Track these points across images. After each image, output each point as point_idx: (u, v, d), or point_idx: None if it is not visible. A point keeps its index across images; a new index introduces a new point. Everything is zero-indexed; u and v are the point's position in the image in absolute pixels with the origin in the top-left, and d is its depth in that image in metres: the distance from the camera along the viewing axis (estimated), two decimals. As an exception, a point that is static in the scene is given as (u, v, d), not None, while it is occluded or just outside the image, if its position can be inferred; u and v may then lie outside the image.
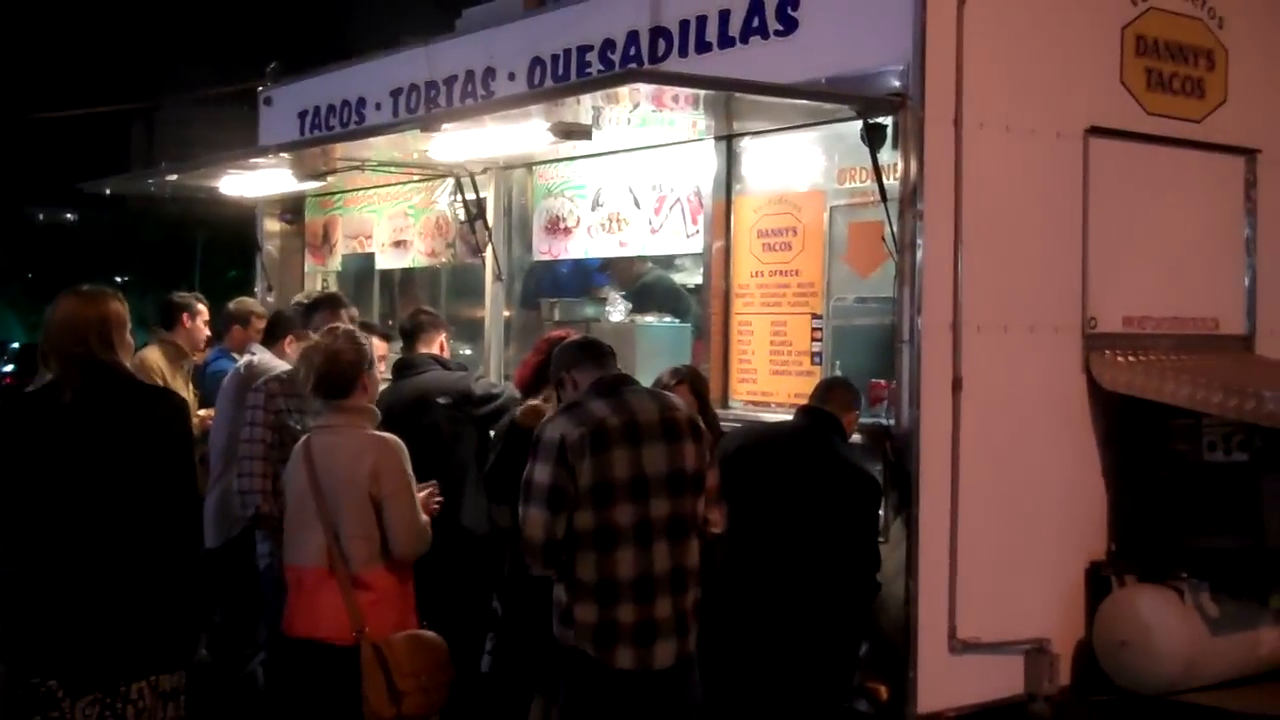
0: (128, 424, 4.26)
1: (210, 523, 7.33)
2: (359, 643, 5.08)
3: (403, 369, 7.21)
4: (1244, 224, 7.68)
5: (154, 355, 8.36)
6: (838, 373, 6.73)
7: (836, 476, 5.87)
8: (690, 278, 8.54)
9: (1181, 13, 7.40)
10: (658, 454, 4.76)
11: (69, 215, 46.42)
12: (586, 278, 9.03)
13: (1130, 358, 6.97)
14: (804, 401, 6.22)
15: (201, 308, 8.70)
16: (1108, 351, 6.97)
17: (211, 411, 7.79)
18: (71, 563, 4.16)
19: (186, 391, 8.28)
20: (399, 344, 7.70)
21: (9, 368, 27.49)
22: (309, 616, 5.21)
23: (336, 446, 5.29)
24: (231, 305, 8.99)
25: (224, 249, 38.64)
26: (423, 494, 5.44)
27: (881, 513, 6.13)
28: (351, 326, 5.97)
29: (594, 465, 4.64)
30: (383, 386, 7.99)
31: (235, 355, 8.42)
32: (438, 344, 7.43)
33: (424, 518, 5.33)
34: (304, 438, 5.49)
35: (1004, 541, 6.60)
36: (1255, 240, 7.68)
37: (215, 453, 7.41)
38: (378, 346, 6.18)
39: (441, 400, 6.97)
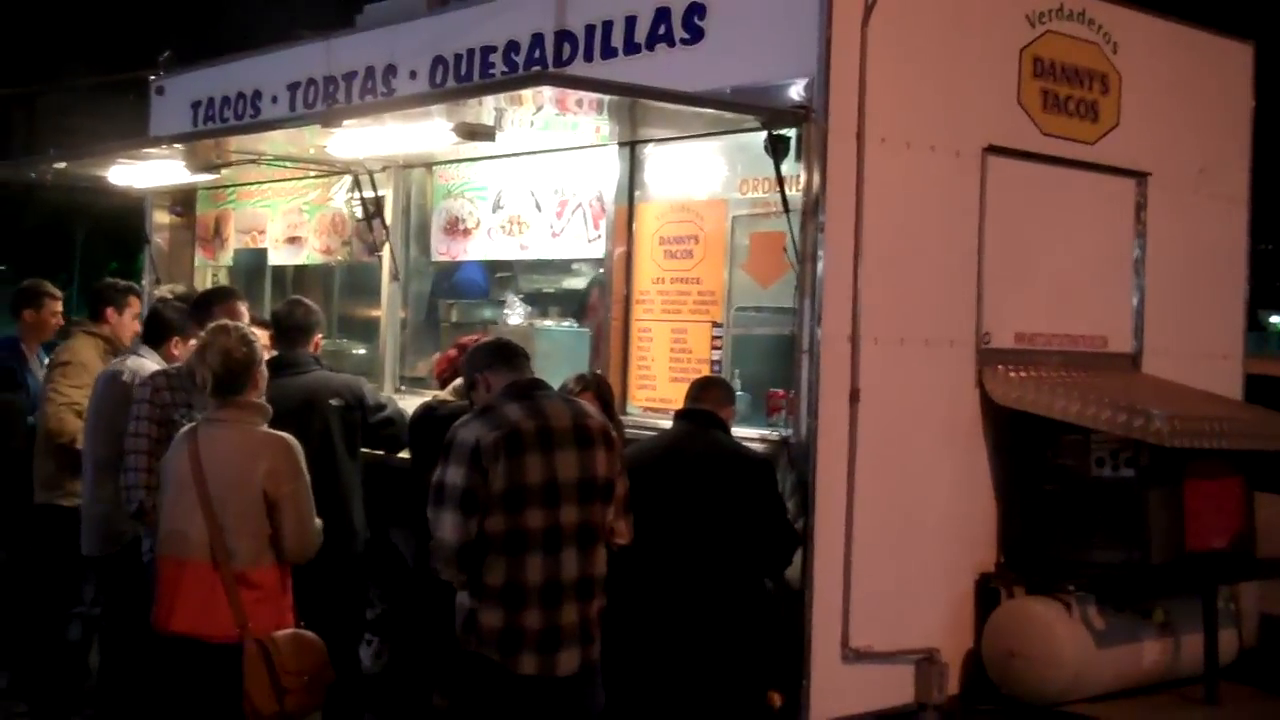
0: None
1: (89, 530, 6.92)
2: (242, 640, 5.04)
3: (283, 366, 6.67)
4: (1134, 245, 7.83)
5: (85, 348, 7.77)
6: (733, 378, 6.76)
7: (729, 467, 5.90)
8: (582, 282, 8.54)
9: (1078, 36, 7.52)
10: (570, 460, 4.75)
11: (-59, 201, 45.17)
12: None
13: (1022, 373, 7.07)
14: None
15: (133, 299, 8.13)
16: (1000, 366, 7.06)
17: None
18: None
19: None
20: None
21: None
22: (189, 612, 5.13)
23: (226, 441, 5.23)
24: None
25: (105, 240, 37.76)
26: None
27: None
28: (243, 324, 5.87)
29: (507, 469, 4.62)
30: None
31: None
32: (316, 343, 7.11)
33: (317, 521, 5.30)
34: (188, 427, 5.41)
35: (897, 552, 6.67)
36: (1144, 261, 7.84)
37: (90, 458, 6.93)
38: (261, 337, 6.04)
39: (334, 401, 6.78)
